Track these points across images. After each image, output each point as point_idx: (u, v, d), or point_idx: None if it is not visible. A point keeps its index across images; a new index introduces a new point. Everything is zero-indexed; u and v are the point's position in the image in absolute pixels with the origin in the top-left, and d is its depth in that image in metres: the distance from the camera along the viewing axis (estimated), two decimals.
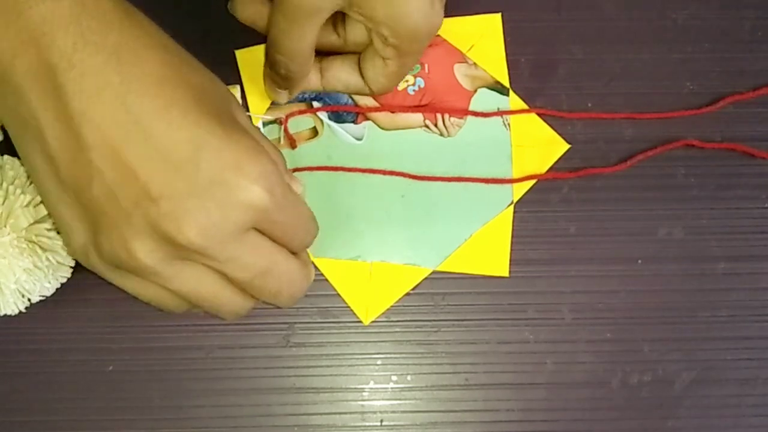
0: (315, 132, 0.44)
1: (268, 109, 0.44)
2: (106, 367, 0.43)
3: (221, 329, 0.43)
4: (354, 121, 0.44)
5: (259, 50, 0.44)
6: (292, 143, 0.44)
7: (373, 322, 0.43)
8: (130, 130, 0.29)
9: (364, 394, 0.43)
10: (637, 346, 0.44)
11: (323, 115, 0.44)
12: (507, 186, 0.44)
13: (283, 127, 0.44)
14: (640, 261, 0.44)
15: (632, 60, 0.45)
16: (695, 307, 0.44)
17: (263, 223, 0.32)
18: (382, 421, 0.43)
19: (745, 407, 0.44)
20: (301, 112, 0.44)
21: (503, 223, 0.44)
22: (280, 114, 0.44)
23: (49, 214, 0.35)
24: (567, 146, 0.44)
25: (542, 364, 0.43)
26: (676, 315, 0.44)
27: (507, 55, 0.45)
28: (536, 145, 0.44)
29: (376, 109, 0.44)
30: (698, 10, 0.46)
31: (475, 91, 0.44)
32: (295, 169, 0.44)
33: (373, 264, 0.43)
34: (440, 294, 0.44)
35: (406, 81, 0.44)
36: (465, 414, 0.43)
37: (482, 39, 0.44)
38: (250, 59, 0.44)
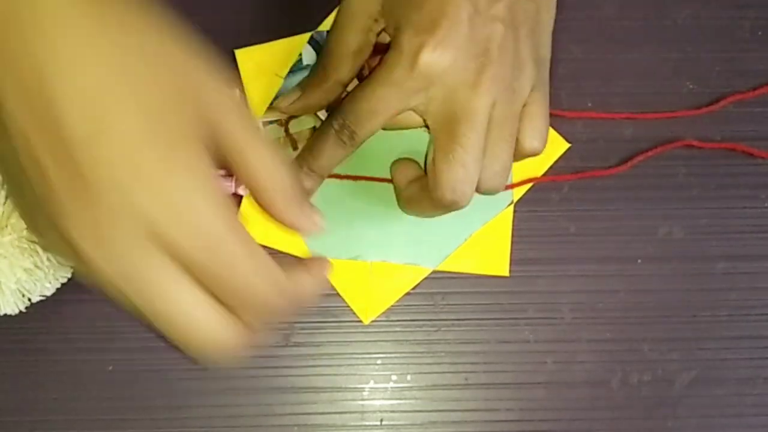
0: None
1: (268, 109, 0.44)
2: (106, 366, 0.43)
3: None
4: None
5: (258, 50, 0.44)
6: (294, 144, 0.44)
7: (373, 321, 0.43)
8: (49, 122, 0.26)
9: (364, 393, 0.43)
10: (637, 345, 0.44)
11: (324, 115, 0.44)
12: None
13: (284, 127, 0.44)
14: (640, 260, 0.44)
15: (632, 60, 0.45)
16: (695, 306, 0.44)
17: (174, 254, 0.27)
18: (381, 420, 0.43)
19: (744, 407, 0.44)
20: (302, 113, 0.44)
21: (503, 222, 0.44)
22: (281, 115, 0.44)
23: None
24: (567, 145, 0.44)
25: (542, 363, 0.44)
26: (675, 314, 0.44)
27: None
28: None
29: None
30: (698, 10, 0.46)
31: None
32: None
33: (373, 264, 0.43)
34: (440, 294, 0.44)
35: None
36: (465, 413, 0.43)
37: None
38: (250, 59, 0.44)
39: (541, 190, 0.44)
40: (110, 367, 0.43)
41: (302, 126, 0.44)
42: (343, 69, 0.40)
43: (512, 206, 0.44)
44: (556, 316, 0.44)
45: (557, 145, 0.44)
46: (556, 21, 0.45)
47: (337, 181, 0.44)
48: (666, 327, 0.44)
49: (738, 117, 0.45)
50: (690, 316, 0.44)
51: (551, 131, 0.44)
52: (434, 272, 0.44)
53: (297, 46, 0.44)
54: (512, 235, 0.44)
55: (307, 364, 0.43)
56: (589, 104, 0.45)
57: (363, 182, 0.44)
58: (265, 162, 0.30)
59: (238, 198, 0.43)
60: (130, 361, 0.43)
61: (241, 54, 0.44)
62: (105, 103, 0.27)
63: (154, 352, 0.43)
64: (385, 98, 0.37)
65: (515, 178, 0.44)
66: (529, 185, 0.44)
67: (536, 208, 0.44)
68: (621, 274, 0.44)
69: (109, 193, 0.26)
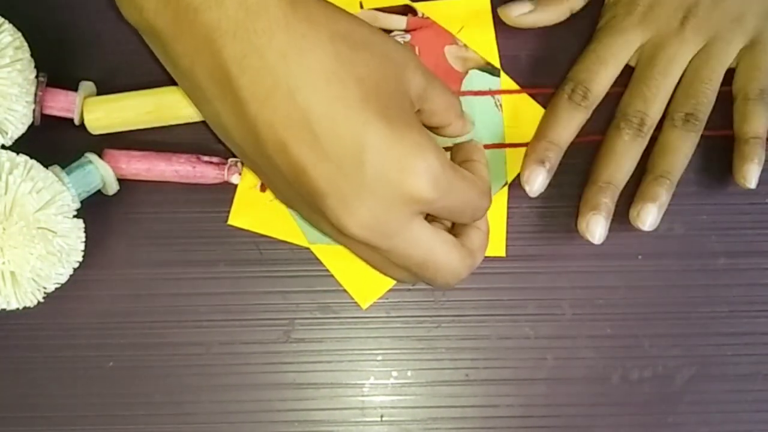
0: None
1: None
2: (106, 363, 0.44)
3: (221, 325, 0.44)
4: None
5: None
6: None
7: (373, 317, 0.44)
8: (299, 129, 0.31)
9: (364, 389, 0.44)
10: (637, 341, 0.44)
11: None
12: (501, 167, 0.45)
13: None
14: (640, 256, 0.45)
15: None
16: (696, 302, 0.45)
17: (431, 209, 0.35)
18: (382, 416, 0.44)
19: (745, 403, 0.44)
20: None
21: (498, 203, 0.44)
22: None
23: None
24: None
25: (542, 359, 0.44)
26: (676, 310, 0.45)
27: (504, 48, 0.45)
28: (529, 124, 0.45)
29: None
30: None
31: (467, 72, 0.45)
32: None
33: None
34: (440, 290, 0.44)
35: None
36: (465, 409, 0.44)
37: (472, 20, 0.45)
38: None
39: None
40: (110, 363, 0.44)
41: None
42: None
43: (506, 187, 0.44)
44: (556, 312, 0.44)
45: None
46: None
47: None
48: (666, 323, 0.44)
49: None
50: (690, 312, 0.45)
51: (543, 111, 0.45)
52: None
53: None
54: (507, 220, 0.45)
55: (308, 360, 0.44)
56: None
57: None
58: (447, 99, 0.38)
59: (232, 187, 0.44)
60: (130, 357, 0.44)
61: None
62: (357, 117, 0.31)
63: (155, 348, 0.44)
64: (612, 46, 0.43)
65: (509, 159, 0.45)
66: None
67: (536, 204, 0.45)
68: (621, 270, 0.45)
69: (382, 191, 0.32)
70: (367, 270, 0.43)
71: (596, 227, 0.42)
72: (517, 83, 0.45)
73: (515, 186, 0.45)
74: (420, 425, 0.44)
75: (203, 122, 0.44)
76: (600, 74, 0.43)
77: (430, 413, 0.44)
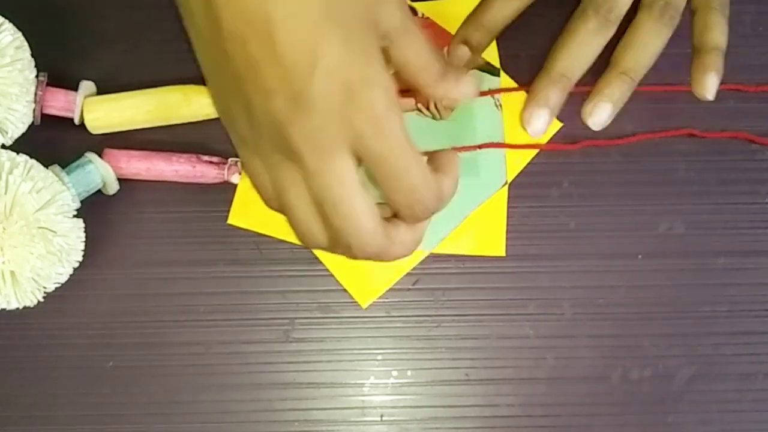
0: None
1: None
2: (106, 362, 0.44)
3: (221, 325, 0.44)
4: None
5: None
6: None
7: (373, 317, 0.44)
8: (260, 29, 0.32)
9: (364, 389, 0.44)
10: (637, 341, 0.44)
11: None
12: (501, 167, 0.45)
13: None
14: (640, 256, 0.45)
15: None
16: (696, 302, 0.45)
17: (362, 149, 0.33)
18: (382, 416, 0.44)
19: (745, 402, 0.45)
20: None
21: (498, 203, 0.44)
22: None
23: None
24: (560, 125, 0.45)
25: (543, 359, 0.44)
26: (676, 310, 0.45)
27: (504, 48, 0.46)
28: None
29: None
30: None
31: (467, 72, 0.45)
32: None
33: None
34: (440, 289, 0.44)
35: None
36: (465, 409, 0.44)
37: None
38: None
39: (540, 185, 0.45)
40: (110, 363, 0.44)
41: None
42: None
43: (506, 187, 0.45)
44: (556, 312, 0.44)
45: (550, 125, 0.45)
46: (554, 16, 0.46)
47: None
48: (666, 323, 0.45)
49: (739, 112, 0.46)
50: (690, 312, 0.45)
51: None
52: (434, 254, 0.45)
53: None
54: (507, 220, 0.45)
55: (308, 359, 0.44)
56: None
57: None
58: (423, 54, 0.36)
59: (232, 186, 0.44)
60: (129, 357, 0.44)
61: None
62: (317, 31, 0.32)
63: (154, 348, 0.44)
64: None
65: (509, 159, 0.45)
66: (523, 164, 0.45)
67: (536, 204, 0.45)
68: (621, 269, 0.45)
69: (325, 104, 0.32)
70: (367, 269, 0.43)
71: (538, 122, 0.41)
72: (517, 83, 0.46)
73: (515, 186, 0.45)
74: (420, 425, 0.44)
75: (203, 122, 0.44)
76: None
77: (430, 413, 0.44)
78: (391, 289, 0.44)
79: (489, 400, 0.44)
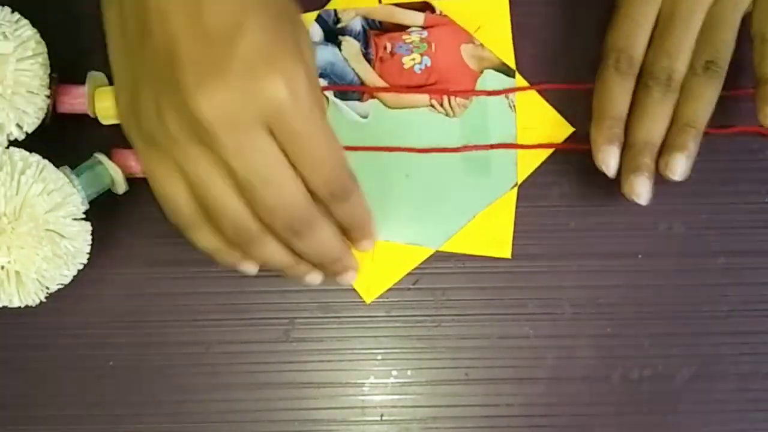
0: None
1: None
2: (106, 362, 0.44)
3: (221, 324, 0.44)
4: (359, 99, 0.45)
5: None
6: None
7: (373, 316, 0.44)
8: (188, 3, 0.32)
9: (364, 389, 0.44)
10: (637, 341, 0.45)
11: (328, 92, 0.44)
12: (511, 167, 0.45)
13: None
14: (640, 256, 0.45)
15: None
16: (696, 302, 0.45)
17: (278, 125, 0.33)
18: (382, 416, 0.44)
19: (745, 402, 0.45)
20: None
21: (507, 204, 0.45)
22: None
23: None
24: (571, 129, 0.45)
25: (542, 359, 0.44)
26: (676, 310, 0.45)
27: (520, 49, 0.46)
28: (541, 127, 0.45)
29: (382, 89, 0.44)
30: None
31: (482, 72, 0.46)
32: None
33: (377, 243, 0.44)
34: (441, 289, 0.44)
35: (413, 59, 0.45)
36: (465, 409, 0.44)
37: (489, 20, 0.46)
38: None
39: (541, 185, 0.45)
40: (110, 363, 0.44)
41: None
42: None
43: (516, 188, 0.45)
44: (556, 312, 0.44)
45: (562, 129, 0.46)
46: (554, 15, 0.46)
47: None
48: (666, 322, 0.45)
49: (738, 112, 0.46)
50: (690, 312, 0.45)
51: (557, 116, 0.45)
52: (438, 253, 0.45)
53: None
54: (515, 219, 0.45)
55: (308, 359, 0.44)
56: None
57: (367, 161, 0.45)
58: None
59: None
60: (130, 356, 0.44)
61: None
62: (245, 9, 0.32)
63: (155, 348, 0.44)
64: (643, 5, 0.43)
65: (520, 161, 0.45)
66: (533, 167, 0.45)
67: (537, 203, 0.45)
68: (621, 269, 0.45)
69: (244, 77, 0.32)
70: (371, 264, 0.43)
71: (641, 188, 0.42)
72: (530, 83, 0.46)
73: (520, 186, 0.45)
74: (420, 424, 0.44)
75: None
76: (639, 37, 0.43)
77: (430, 412, 0.44)
78: (391, 289, 0.44)
79: (489, 400, 0.44)
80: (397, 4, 0.46)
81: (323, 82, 0.45)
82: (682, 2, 0.42)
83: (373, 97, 0.45)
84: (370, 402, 0.44)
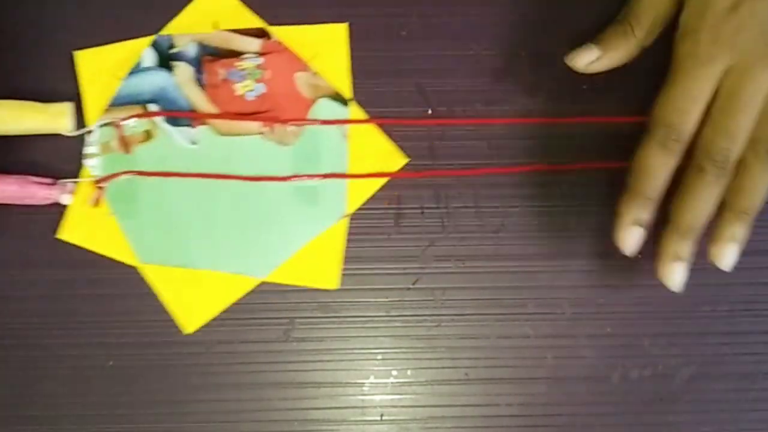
0: (150, 135, 0.44)
1: (106, 111, 0.44)
2: (106, 362, 0.44)
3: (221, 324, 0.44)
4: (190, 125, 0.44)
5: (98, 52, 0.44)
6: (126, 146, 0.44)
7: (373, 316, 0.44)
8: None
9: (364, 388, 0.44)
10: (637, 340, 0.45)
11: (158, 118, 0.44)
12: (341, 198, 0.45)
13: (118, 130, 0.44)
14: (640, 256, 0.45)
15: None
16: (695, 302, 0.45)
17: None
18: (382, 415, 0.44)
19: (745, 402, 0.45)
20: (137, 116, 0.44)
21: (336, 235, 0.45)
22: (116, 116, 0.44)
23: None
24: (406, 159, 0.45)
25: (542, 358, 0.44)
26: (676, 309, 0.45)
27: (357, 78, 0.45)
28: (374, 157, 0.45)
29: (213, 116, 0.44)
30: None
31: (316, 100, 0.45)
32: (126, 172, 0.44)
33: (201, 272, 0.44)
34: (440, 288, 0.44)
35: (246, 86, 0.45)
36: (465, 409, 0.44)
37: (326, 48, 0.45)
38: (89, 61, 0.44)
39: (540, 185, 0.45)
40: (110, 362, 0.44)
41: (137, 128, 0.44)
42: (650, 32, 0.42)
43: (346, 219, 0.45)
44: (556, 311, 0.45)
45: (395, 159, 0.45)
46: (555, 15, 0.46)
47: (169, 186, 0.44)
48: (666, 322, 0.45)
49: None
50: (690, 311, 0.45)
51: (390, 146, 0.45)
52: (264, 284, 0.44)
53: (137, 50, 0.45)
54: (345, 248, 0.44)
55: (308, 359, 0.44)
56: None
57: (195, 188, 0.44)
58: None
59: (61, 207, 0.44)
60: (130, 356, 0.44)
61: (80, 56, 0.44)
62: None
63: (155, 347, 0.44)
64: (700, 78, 0.40)
65: (351, 191, 0.45)
66: (365, 197, 0.45)
67: (536, 203, 0.45)
68: (621, 269, 0.45)
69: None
70: (196, 295, 0.43)
71: (679, 277, 0.40)
72: (367, 114, 0.45)
73: (518, 186, 0.45)
74: (420, 424, 0.44)
75: (34, 138, 0.43)
76: (692, 113, 0.40)
77: (430, 412, 0.44)
78: (390, 289, 0.45)
79: (489, 400, 0.45)
80: (233, 31, 0.45)
81: (154, 108, 0.44)
82: (747, 79, 0.39)
83: (204, 123, 0.44)
84: (370, 402, 0.45)
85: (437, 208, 0.45)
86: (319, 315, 0.45)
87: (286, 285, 0.44)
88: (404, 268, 0.45)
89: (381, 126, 0.45)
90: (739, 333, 0.45)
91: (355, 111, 0.45)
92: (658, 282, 0.45)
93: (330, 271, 0.45)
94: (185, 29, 0.45)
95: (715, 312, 0.45)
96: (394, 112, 0.45)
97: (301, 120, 0.45)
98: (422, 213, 0.45)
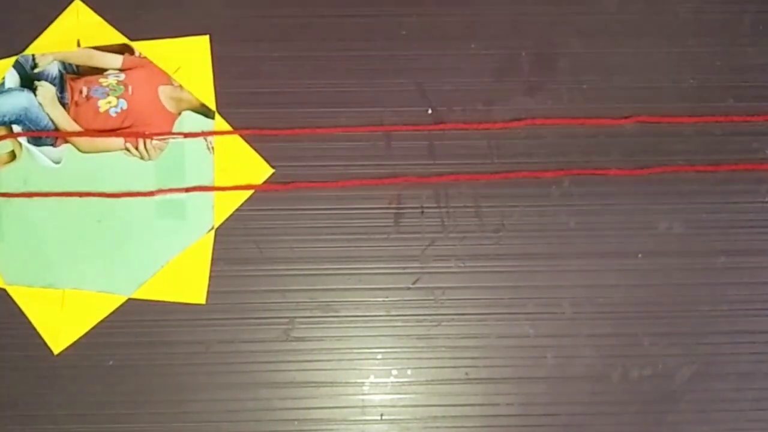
0: (13, 156, 0.44)
1: None
2: (106, 361, 0.44)
3: (221, 324, 0.44)
4: (53, 144, 0.44)
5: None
6: None
7: (373, 316, 0.44)
8: None
9: (364, 388, 0.44)
10: (637, 340, 0.45)
11: (22, 138, 0.44)
12: (208, 211, 0.44)
13: None
14: (640, 255, 0.45)
15: (632, 54, 0.46)
16: (695, 301, 0.45)
17: None
18: (382, 415, 0.44)
19: (744, 401, 0.45)
20: (0, 138, 0.44)
21: (203, 248, 0.44)
22: None
23: None
24: (271, 171, 0.45)
25: (542, 358, 0.44)
26: (676, 309, 0.45)
27: (222, 90, 0.45)
28: (240, 168, 0.45)
29: (75, 134, 0.44)
30: (700, 4, 0.46)
31: (180, 113, 0.45)
32: None
33: (66, 292, 0.44)
34: (440, 288, 0.44)
35: (109, 102, 0.44)
36: (465, 408, 0.44)
37: (190, 61, 0.45)
38: None
39: (540, 185, 0.45)
40: (110, 362, 0.44)
41: (1, 151, 0.44)
42: None
43: (212, 232, 0.44)
44: (556, 311, 0.45)
45: (261, 170, 0.45)
46: (555, 15, 0.46)
47: (32, 207, 0.44)
48: (666, 322, 0.45)
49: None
50: (690, 311, 0.45)
51: (256, 157, 0.45)
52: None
53: (0, 70, 0.44)
54: (212, 261, 0.44)
55: (308, 358, 0.44)
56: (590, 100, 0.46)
57: (59, 208, 0.44)
58: None
59: None
60: (130, 356, 0.44)
61: None
62: None
63: (154, 347, 0.44)
64: None
65: (217, 204, 0.45)
66: (231, 210, 0.45)
67: (536, 203, 0.45)
68: (621, 268, 0.45)
69: None
70: (63, 314, 0.43)
71: None
72: (233, 126, 0.45)
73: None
74: (420, 423, 0.44)
75: None
76: None
77: (430, 412, 0.45)
78: (390, 288, 0.45)
79: (489, 399, 0.45)
80: (96, 47, 0.44)
81: (17, 129, 0.44)
82: None
83: (66, 141, 0.44)
84: (370, 401, 0.45)
85: (437, 208, 0.45)
86: (319, 315, 0.45)
87: (157, 301, 0.44)
88: (404, 268, 0.45)
89: (381, 130, 0.45)
90: (739, 332, 0.45)
91: (220, 123, 0.44)
92: (658, 282, 0.45)
93: (197, 285, 0.44)
94: (49, 48, 0.44)
95: (715, 311, 0.45)
96: (394, 112, 0.45)
97: (164, 133, 0.44)
98: (422, 213, 0.45)
